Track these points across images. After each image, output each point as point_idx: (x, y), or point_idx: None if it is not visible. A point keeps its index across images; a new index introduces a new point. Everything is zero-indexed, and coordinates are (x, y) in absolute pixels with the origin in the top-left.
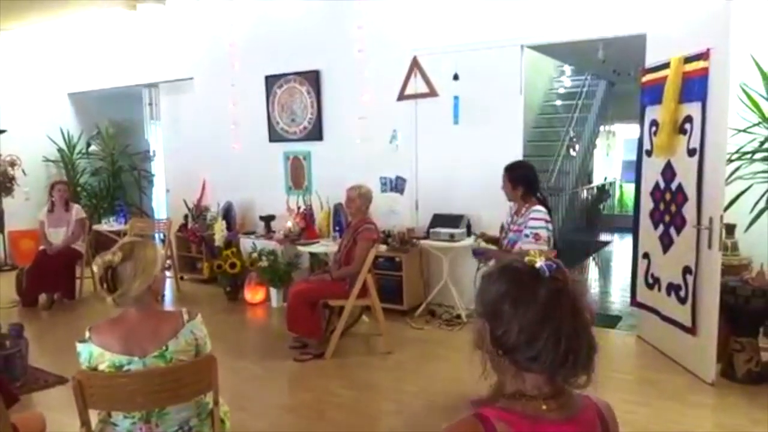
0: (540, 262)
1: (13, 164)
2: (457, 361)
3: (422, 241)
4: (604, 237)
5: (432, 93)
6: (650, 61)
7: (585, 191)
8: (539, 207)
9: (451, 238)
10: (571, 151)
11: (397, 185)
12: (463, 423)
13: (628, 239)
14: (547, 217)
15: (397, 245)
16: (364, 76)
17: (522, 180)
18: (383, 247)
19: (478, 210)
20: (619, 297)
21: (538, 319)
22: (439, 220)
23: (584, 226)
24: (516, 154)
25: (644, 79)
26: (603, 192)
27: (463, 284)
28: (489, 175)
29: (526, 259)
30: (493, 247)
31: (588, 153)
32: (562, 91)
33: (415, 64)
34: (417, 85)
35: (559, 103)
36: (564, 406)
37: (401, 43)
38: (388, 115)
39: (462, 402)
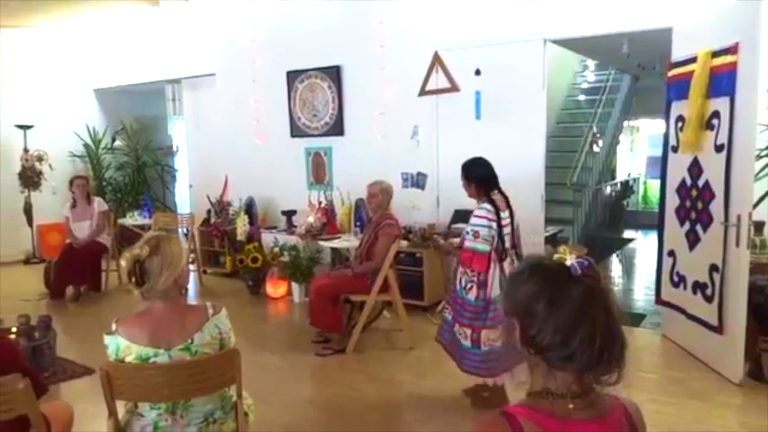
0: (571, 260)
1: (40, 159)
2: None
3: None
4: (627, 234)
5: (453, 88)
6: (676, 55)
7: (608, 187)
8: (484, 205)
9: None
10: (594, 146)
11: (418, 181)
12: (490, 421)
13: (653, 236)
14: (490, 216)
15: (418, 241)
16: (385, 72)
17: (473, 177)
18: (404, 243)
19: None
20: (643, 295)
21: (574, 318)
22: (460, 215)
23: (607, 223)
24: (538, 149)
25: (670, 73)
26: (627, 188)
27: None
28: (511, 171)
29: (556, 256)
30: (455, 240)
31: (611, 149)
32: (585, 85)
33: (436, 60)
34: (438, 80)
35: (582, 98)
36: (591, 405)
37: (422, 38)
38: (409, 110)
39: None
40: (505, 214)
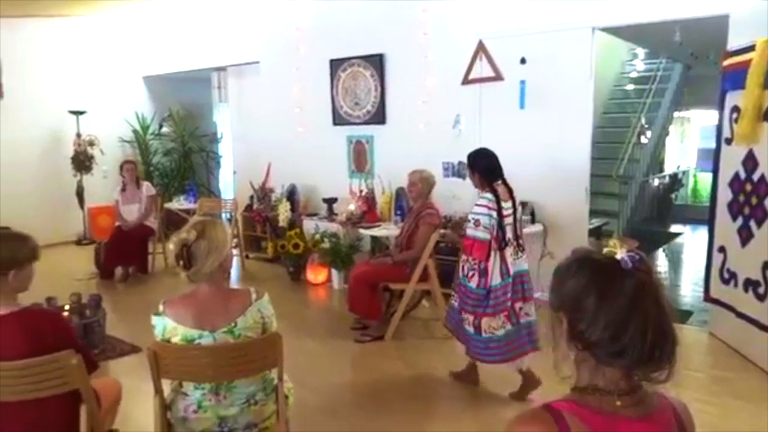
0: (621, 254)
1: (92, 144)
2: None
3: None
4: (675, 228)
5: (497, 77)
6: (733, 43)
7: (656, 180)
8: (486, 194)
9: None
10: (642, 138)
11: (459, 170)
12: (533, 415)
13: (702, 231)
14: (491, 205)
15: (459, 232)
16: (428, 60)
17: (477, 168)
18: (444, 232)
19: (543, 197)
20: (690, 291)
21: (625, 313)
22: None
23: (654, 217)
24: (584, 140)
25: (725, 62)
26: (675, 181)
27: None
28: (555, 161)
29: (605, 250)
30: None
31: (660, 140)
32: (634, 75)
33: (480, 48)
34: (482, 69)
35: (630, 87)
36: (639, 403)
37: (466, 26)
38: (452, 99)
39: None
40: (507, 204)
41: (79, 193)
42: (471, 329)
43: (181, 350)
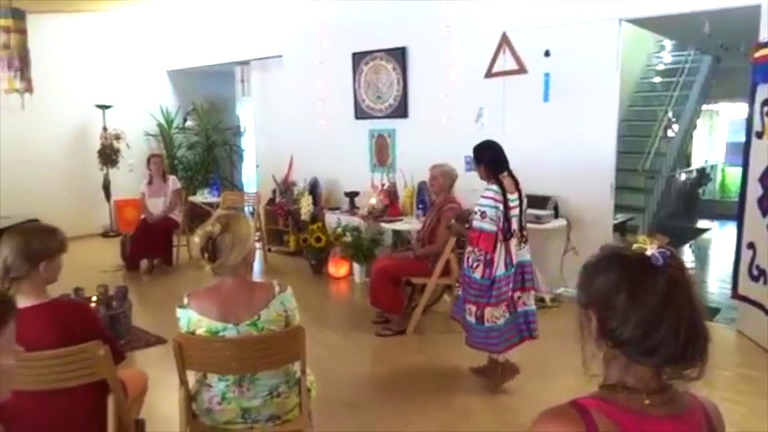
0: (651, 250)
1: (117, 138)
2: (539, 345)
3: None
4: (702, 224)
5: (521, 70)
6: (765, 34)
7: (683, 175)
8: (492, 186)
9: (537, 219)
10: (669, 131)
11: None
12: (559, 411)
13: (731, 227)
14: (497, 197)
15: None
16: (451, 53)
17: (482, 160)
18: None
19: (567, 191)
20: (717, 288)
21: (657, 310)
22: None
23: (681, 212)
24: (609, 134)
25: (757, 54)
26: (703, 176)
27: (547, 267)
28: (579, 155)
29: (635, 246)
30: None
31: (688, 134)
32: (661, 67)
33: (504, 41)
34: (506, 62)
35: (657, 80)
36: (668, 402)
37: (490, 19)
38: (475, 92)
39: (547, 387)
40: (513, 196)
41: (106, 186)
42: (473, 319)
43: (206, 342)
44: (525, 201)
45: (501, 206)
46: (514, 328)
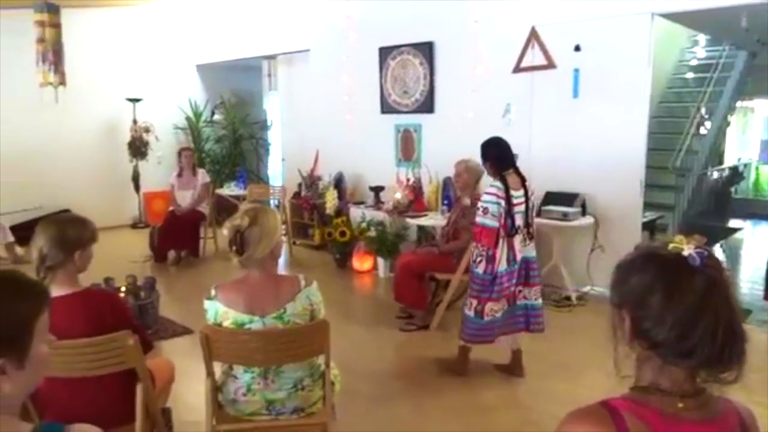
0: (688, 250)
1: (147, 131)
2: (564, 344)
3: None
4: (734, 223)
5: (550, 65)
6: None
7: (715, 173)
8: (495, 183)
9: (564, 217)
10: (701, 128)
11: None
12: (589, 411)
13: (763, 227)
14: (499, 193)
15: None
16: (478, 48)
17: (487, 157)
18: None
19: (595, 188)
20: (748, 289)
21: (695, 311)
22: (551, 197)
23: (712, 211)
24: (640, 130)
25: None
26: (736, 174)
27: (573, 265)
28: (609, 152)
29: (671, 246)
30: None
31: (721, 131)
32: (694, 62)
33: (533, 35)
34: (534, 56)
35: (690, 75)
36: (702, 406)
37: (519, 13)
38: (502, 88)
39: (570, 386)
40: (518, 193)
41: (135, 179)
42: (471, 313)
43: (232, 334)
44: (533, 197)
45: (503, 203)
46: (510, 318)
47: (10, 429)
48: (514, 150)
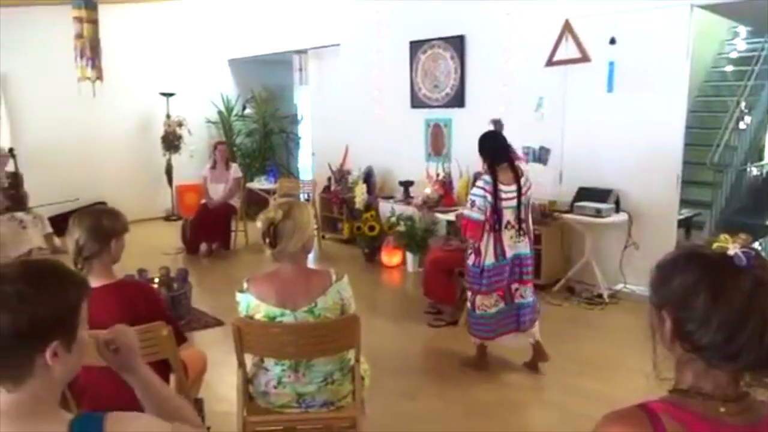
0: (734, 249)
1: (180, 125)
2: (597, 342)
3: (565, 215)
4: None
5: (584, 58)
6: None
7: (754, 169)
8: (485, 176)
9: (598, 213)
10: (741, 123)
11: (540, 156)
12: (627, 413)
13: None
14: (487, 187)
15: (537, 218)
16: (510, 41)
17: (481, 150)
18: None
19: (629, 184)
20: None
21: (742, 313)
22: (585, 193)
23: (751, 208)
24: (677, 125)
25: None
26: None
27: (606, 262)
28: (644, 148)
29: (715, 245)
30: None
31: (762, 126)
32: (734, 55)
33: (566, 28)
34: (568, 50)
35: (729, 69)
36: (745, 411)
37: (552, 5)
38: (535, 81)
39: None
40: (510, 188)
41: (168, 172)
42: (469, 305)
43: (264, 327)
44: (529, 193)
45: (489, 197)
46: (505, 319)
47: (54, 417)
48: (546, 145)
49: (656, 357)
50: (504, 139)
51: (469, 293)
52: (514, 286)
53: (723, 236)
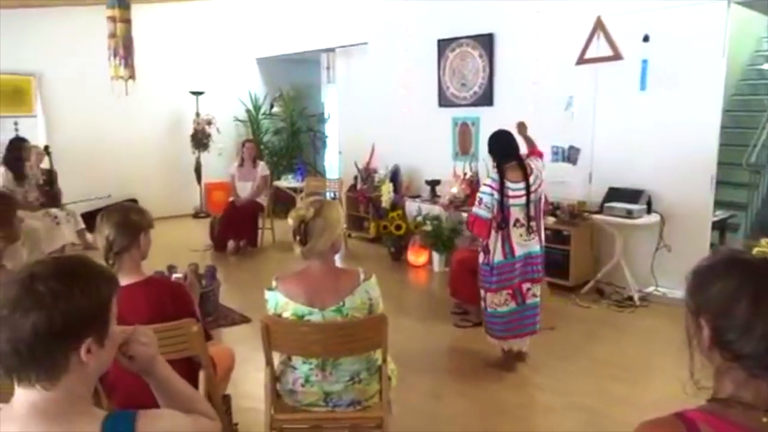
0: None
1: (209, 123)
2: (626, 345)
3: (594, 216)
4: None
5: (616, 56)
6: None
7: None
8: (492, 174)
9: (629, 214)
10: None
11: (569, 155)
12: (663, 422)
13: None
14: (494, 185)
15: (566, 218)
16: (540, 39)
17: (490, 148)
18: (551, 220)
19: (661, 185)
20: None
21: None
22: (615, 194)
23: None
24: (712, 125)
25: None
26: None
27: (637, 264)
28: (677, 148)
29: (756, 250)
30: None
31: None
32: None
33: (598, 25)
34: (599, 47)
35: (767, 66)
36: None
37: (584, 2)
38: (565, 80)
39: (631, 390)
40: (518, 185)
41: (197, 170)
42: (483, 303)
43: (292, 325)
44: (540, 190)
45: (496, 194)
46: (519, 320)
47: (89, 414)
48: (576, 144)
49: (693, 365)
50: (511, 138)
51: (481, 291)
52: (526, 285)
53: (764, 240)
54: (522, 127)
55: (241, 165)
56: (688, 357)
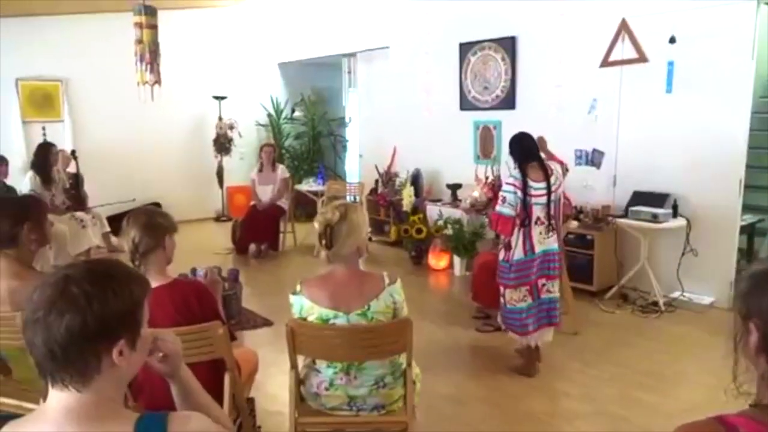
0: None
1: (231, 127)
2: (652, 352)
3: (619, 220)
4: None
5: (641, 58)
6: None
7: None
8: (514, 173)
9: (654, 218)
10: None
11: (593, 159)
12: (703, 426)
13: None
14: (517, 183)
15: (590, 222)
16: (563, 42)
17: (512, 150)
18: (574, 224)
19: (688, 189)
20: None
21: None
22: (640, 198)
23: None
24: (740, 127)
25: None
26: None
27: (662, 269)
28: (704, 151)
29: None
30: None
31: None
32: None
33: (623, 27)
34: (624, 50)
35: None
36: None
37: (608, 4)
38: (588, 83)
39: (653, 399)
40: (540, 185)
41: (219, 173)
42: (502, 300)
43: (317, 329)
44: (560, 190)
45: (519, 192)
46: (535, 315)
47: (121, 416)
48: (600, 148)
49: (737, 369)
50: (531, 139)
51: (500, 288)
52: (542, 281)
53: None
54: (542, 141)
55: (260, 170)
56: (732, 361)
